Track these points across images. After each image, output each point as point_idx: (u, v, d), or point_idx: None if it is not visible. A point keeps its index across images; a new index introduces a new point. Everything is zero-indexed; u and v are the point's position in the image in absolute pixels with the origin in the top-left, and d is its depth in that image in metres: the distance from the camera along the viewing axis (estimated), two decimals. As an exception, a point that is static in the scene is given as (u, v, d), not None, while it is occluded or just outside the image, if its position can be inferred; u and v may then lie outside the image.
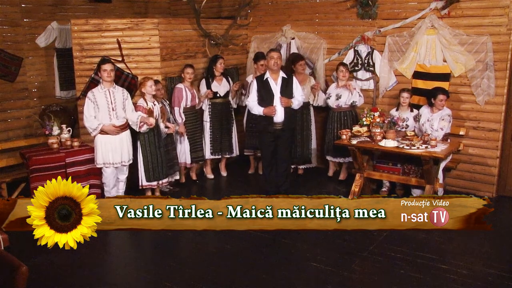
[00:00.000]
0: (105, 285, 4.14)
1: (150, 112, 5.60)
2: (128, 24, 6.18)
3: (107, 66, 5.37)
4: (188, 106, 6.33)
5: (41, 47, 6.99)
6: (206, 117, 6.67)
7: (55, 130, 5.80)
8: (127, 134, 5.56)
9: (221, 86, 6.61)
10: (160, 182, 5.89)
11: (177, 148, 6.35)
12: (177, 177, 6.38)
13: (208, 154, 6.77)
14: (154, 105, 5.72)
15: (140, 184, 5.84)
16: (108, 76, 5.35)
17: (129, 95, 5.61)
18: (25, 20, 6.80)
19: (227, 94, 6.67)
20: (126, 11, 7.98)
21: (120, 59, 6.12)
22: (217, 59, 6.56)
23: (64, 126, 5.91)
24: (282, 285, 4.06)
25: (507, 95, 5.81)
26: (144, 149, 5.71)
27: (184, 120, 6.31)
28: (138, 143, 5.71)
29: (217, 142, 6.75)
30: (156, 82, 5.89)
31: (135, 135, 5.71)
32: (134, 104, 5.64)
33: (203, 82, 6.60)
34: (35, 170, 5.36)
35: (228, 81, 6.71)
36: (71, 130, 5.97)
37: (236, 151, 6.97)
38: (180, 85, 6.27)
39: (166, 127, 5.90)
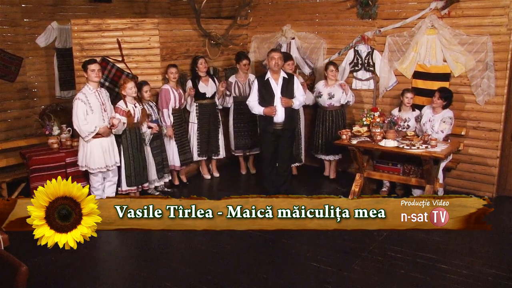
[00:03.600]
0: (105, 285, 4.13)
1: (128, 115, 5.47)
2: (128, 24, 6.18)
3: (95, 66, 5.21)
4: (176, 107, 6.21)
5: (41, 47, 7.00)
6: (193, 118, 6.55)
7: (55, 130, 5.80)
8: (113, 135, 5.47)
9: (208, 87, 6.49)
10: (140, 186, 5.77)
11: (167, 151, 6.23)
12: (166, 180, 6.25)
13: (195, 156, 6.67)
14: (135, 107, 5.58)
15: (120, 188, 5.69)
16: (96, 76, 5.21)
17: (109, 95, 5.50)
18: (25, 20, 6.80)
19: (214, 95, 6.58)
20: (126, 11, 7.98)
21: (120, 59, 6.12)
22: (197, 59, 6.44)
23: (64, 126, 5.90)
24: (282, 285, 4.06)
25: (507, 95, 5.81)
26: (126, 153, 5.59)
27: (172, 122, 6.18)
28: (121, 146, 5.58)
29: (204, 143, 6.66)
30: (145, 83, 5.82)
31: (117, 139, 5.56)
32: (114, 105, 5.51)
33: (189, 82, 6.45)
34: (35, 170, 5.36)
35: (215, 82, 6.61)
36: (71, 130, 5.95)
37: (223, 153, 6.87)
38: (166, 86, 6.12)
39: (149, 127, 5.76)
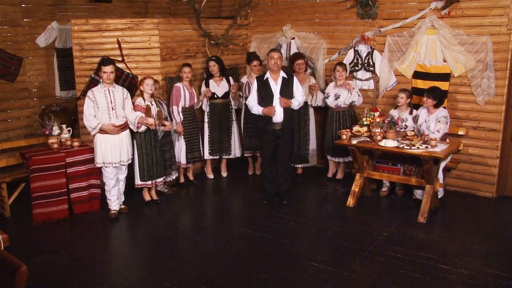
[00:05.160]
0: (105, 285, 4.13)
1: (148, 110, 5.57)
2: (128, 24, 6.18)
3: (108, 68, 5.31)
4: (186, 106, 6.32)
5: (41, 47, 7.00)
6: (206, 117, 6.68)
7: (55, 130, 5.79)
8: (126, 133, 5.54)
9: (219, 87, 6.58)
10: (154, 181, 5.87)
11: (175, 148, 6.34)
12: (174, 176, 6.35)
13: (206, 155, 6.77)
14: (152, 105, 5.69)
15: (135, 183, 5.83)
16: (107, 78, 5.31)
17: (129, 94, 5.60)
18: (25, 20, 6.81)
19: (226, 94, 6.65)
20: (126, 11, 7.99)
21: (120, 59, 6.12)
22: (208, 61, 6.59)
23: (64, 126, 5.90)
24: (282, 285, 4.06)
25: (507, 95, 5.81)
26: (140, 149, 5.69)
27: (182, 120, 6.29)
28: (134, 142, 5.69)
29: (215, 142, 6.74)
30: (154, 81, 5.89)
31: (132, 135, 5.68)
32: (133, 103, 5.62)
33: (203, 84, 6.63)
34: (35, 170, 5.35)
35: (229, 82, 6.68)
36: (71, 130, 5.96)
37: (235, 152, 6.94)
38: (178, 84, 6.26)
39: (163, 125, 5.85)
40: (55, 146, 5.65)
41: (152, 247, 4.87)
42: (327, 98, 6.46)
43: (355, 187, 5.78)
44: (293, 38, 7.23)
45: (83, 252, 4.74)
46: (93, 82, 5.75)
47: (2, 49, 6.52)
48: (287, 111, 5.58)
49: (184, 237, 5.18)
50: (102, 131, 5.38)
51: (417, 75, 6.32)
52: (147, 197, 5.97)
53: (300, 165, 6.97)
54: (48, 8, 7.06)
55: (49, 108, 6.89)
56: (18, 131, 6.83)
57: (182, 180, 6.70)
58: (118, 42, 6.12)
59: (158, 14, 8.32)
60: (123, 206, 5.73)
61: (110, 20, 6.24)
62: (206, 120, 6.68)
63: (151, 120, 5.51)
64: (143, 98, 5.62)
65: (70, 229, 5.38)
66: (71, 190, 5.60)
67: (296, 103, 5.60)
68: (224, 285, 4.08)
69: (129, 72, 6.12)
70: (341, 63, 6.47)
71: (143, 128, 5.55)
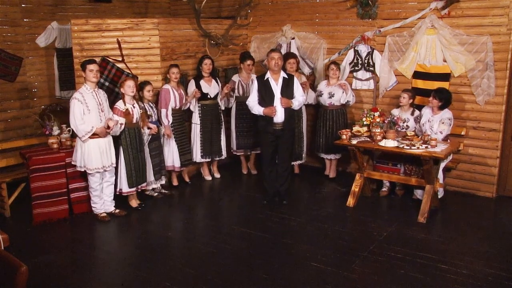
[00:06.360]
0: (105, 285, 4.13)
1: (126, 113, 5.44)
2: (128, 24, 6.18)
3: (93, 66, 5.17)
4: (176, 108, 6.20)
5: (41, 47, 7.01)
6: (196, 119, 6.55)
7: (55, 130, 5.79)
8: (110, 136, 5.43)
9: (211, 88, 6.50)
10: (140, 186, 5.75)
11: (165, 152, 6.21)
12: (163, 182, 6.23)
13: (198, 157, 6.65)
14: (134, 107, 5.54)
15: (118, 190, 5.67)
16: (94, 76, 5.17)
17: (106, 96, 5.49)
18: (25, 20, 6.81)
19: (216, 95, 6.58)
20: (126, 11, 7.99)
21: (120, 59, 6.12)
22: (203, 59, 6.44)
23: (64, 126, 5.89)
24: (282, 285, 4.06)
25: (507, 95, 5.81)
26: (126, 153, 5.56)
27: (170, 122, 6.17)
28: (120, 148, 5.55)
29: (207, 144, 6.63)
30: (147, 83, 5.81)
31: (116, 140, 5.54)
32: (112, 106, 5.49)
33: (192, 82, 6.46)
34: (35, 170, 5.35)
35: (217, 83, 6.61)
36: (71, 130, 5.93)
37: (224, 153, 6.87)
38: (166, 86, 6.12)
39: (148, 128, 5.72)
40: (55, 146, 5.65)
41: (151, 247, 4.86)
42: (320, 96, 6.49)
43: (355, 187, 5.78)
44: (293, 38, 7.23)
45: (83, 252, 4.74)
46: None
47: (2, 49, 6.52)
48: (288, 111, 5.58)
49: (184, 237, 5.18)
50: (94, 135, 5.22)
51: (417, 75, 6.31)
52: (134, 204, 5.82)
53: (294, 163, 6.91)
54: (48, 8, 7.06)
55: (49, 108, 6.90)
56: (18, 131, 6.83)
57: (175, 183, 6.59)
58: (118, 42, 6.12)
59: (158, 14, 8.33)
60: (117, 210, 5.65)
61: (110, 20, 6.24)
62: (198, 122, 6.55)
63: (111, 123, 5.28)
64: (124, 101, 5.47)
65: (70, 229, 5.38)
66: (71, 190, 5.60)
67: (296, 103, 5.61)
68: (224, 285, 4.08)
69: (129, 72, 6.12)
70: (335, 63, 6.51)
71: (114, 130, 5.36)
